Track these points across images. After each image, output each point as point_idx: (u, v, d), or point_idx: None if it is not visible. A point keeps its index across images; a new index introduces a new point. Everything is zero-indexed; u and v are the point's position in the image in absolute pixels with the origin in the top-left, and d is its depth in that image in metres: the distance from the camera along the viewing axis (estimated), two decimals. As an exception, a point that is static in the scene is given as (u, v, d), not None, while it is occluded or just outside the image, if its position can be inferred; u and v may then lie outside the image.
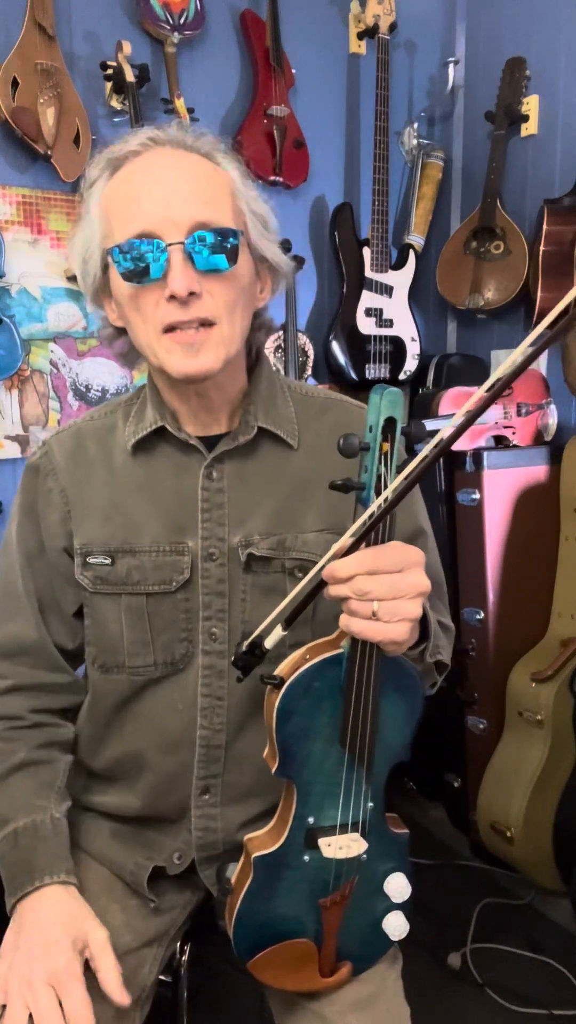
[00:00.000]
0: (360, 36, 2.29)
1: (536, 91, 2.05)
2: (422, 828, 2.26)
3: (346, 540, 0.70)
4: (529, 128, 2.08)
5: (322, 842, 0.82)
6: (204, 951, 1.09)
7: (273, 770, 0.81)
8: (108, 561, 0.93)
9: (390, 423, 0.68)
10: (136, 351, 0.93)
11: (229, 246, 0.82)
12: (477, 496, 1.87)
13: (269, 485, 0.94)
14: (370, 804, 0.84)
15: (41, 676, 0.99)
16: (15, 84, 1.75)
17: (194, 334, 0.83)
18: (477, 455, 1.87)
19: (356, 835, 0.83)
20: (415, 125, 2.39)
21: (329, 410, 0.99)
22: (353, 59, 2.35)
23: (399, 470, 0.67)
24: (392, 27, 2.18)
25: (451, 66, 2.27)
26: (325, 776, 0.81)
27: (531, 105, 2.06)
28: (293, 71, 2.16)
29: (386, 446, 0.68)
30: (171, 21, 1.95)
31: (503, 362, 2.22)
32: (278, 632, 0.79)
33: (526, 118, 2.07)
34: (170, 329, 0.83)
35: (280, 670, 0.78)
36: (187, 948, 1.07)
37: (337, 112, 2.36)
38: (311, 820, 0.83)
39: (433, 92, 2.40)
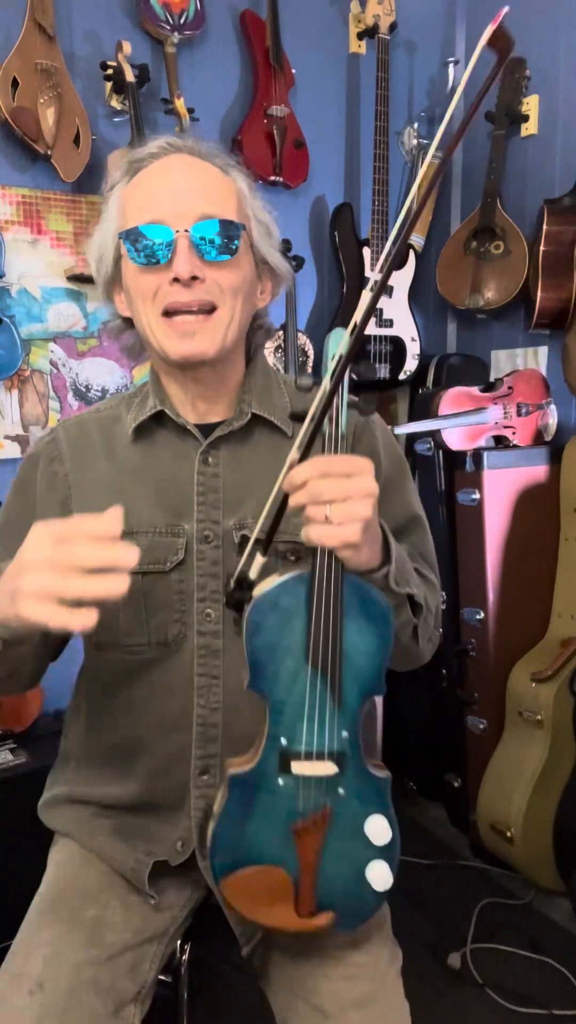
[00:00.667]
0: (360, 36, 2.29)
1: (536, 91, 2.06)
2: (422, 828, 2.26)
3: (295, 450, 0.76)
4: (529, 128, 2.08)
5: (295, 765, 0.84)
6: (204, 950, 1.09)
7: (245, 685, 0.83)
8: None
9: (339, 361, 0.76)
10: (141, 345, 1.00)
11: (231, 236, 0.89)
12: (477, 496, 1.87)
13: (263, 470, 0.96)
14: (344, 733, 0.84)
15: None
16: (15, 84, 1.75)
17: (193, 321, 0.90)
18: (477, 455, 1.88)
19: (330, 763, 0.84)
20: (415, 125, 2.39)
21: None
22: (353, 59, 2.35)
23: (333, 375, 0.75)
24: (392, 27, 2.18)
25: (451, 66, 2.27)
26: (296, 697, 0.83)
27: (531, 105, 2.06)
28: (293, 71, 2.16)
29: (337, 382, 0.76)
30: (171, 21, 1.95)
31: (503, 362, 2.23)
32: (259, 560, 0.84)
33: (526, 118, 2.07)
34: (170, 314, 0.89)
35: (255, 589, 0.82)
36: (187, 947, 1.07)
37: (337, 112, 2.36)
38: (283, 741, 0.84)
39: (433, 92, 2.41)
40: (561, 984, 1.71)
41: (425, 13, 2.35)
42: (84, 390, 2.04)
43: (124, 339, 1.03)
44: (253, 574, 0.85)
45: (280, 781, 0.85)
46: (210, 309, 0.90)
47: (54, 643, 1.02)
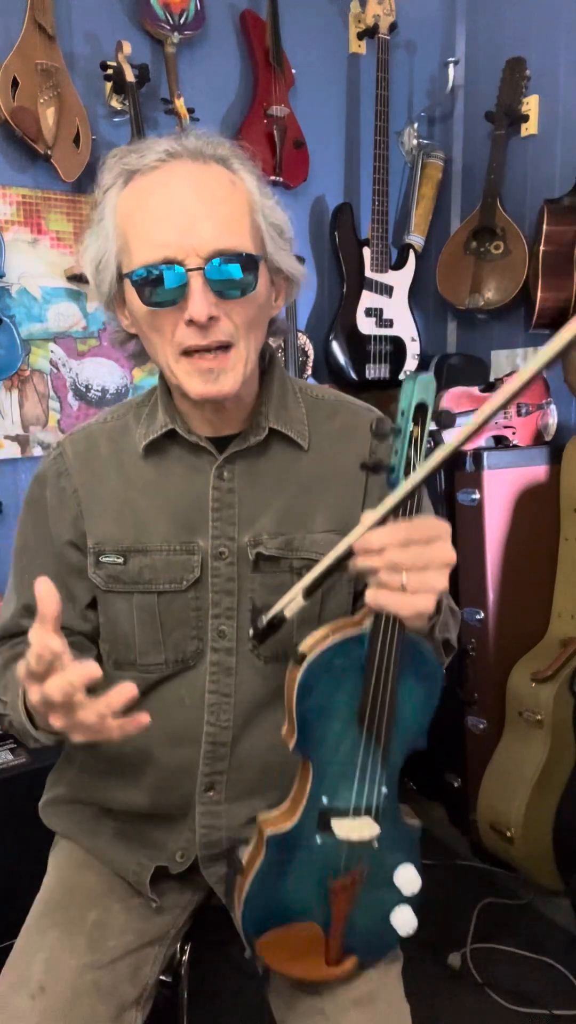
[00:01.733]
0: (360, 36, 2.29)
1: (536, 91, 2.05)
2: (422, 828, 2.26)
3: (377, 513, 0.71)
4: (529, 128, 2.08)
5: (335, 823, 0.83)
6: (204, 951, 1.09)
7: (291, 747, 0.81)
8: (120, 560, 0.95)
9: (421, 409, 0.71)
10: (149, 353, 0.94)
11: (247, 270, 0.83)
12: (477, 496, 1.87)
13: (279, 485, 0.95)
14: (384, 790, 0.84)
15: None
16: (15, 84, 1.75)
17: (212, 359, 0.84)
18: (477, 455, 1.87)
19: (369, 819, 0.84)
20: (415, 125, 2.39)
21: (339, 412, 1.00)
22: (353, 59, 2.35)
23: (428, 454, 0.70)
24: (392, 27, 2.18)
25: (451, 66, 2.27)
26: (341, 756, 0.82)
27: (531, 105, 2.06)
28: (293, 71, 2.16)
29: (416, 431, 0.71)
30: (171, 21, 1.95)
31: (503, 362, 2.23)
32: (299, 602, 0.80)
33: (526, 118, 2.07)
34: (188, 352, 0.84)
35: (303, 646, 0.79)
36: (188, 948, 1.07)
37: (337, 112, 2.36)
38: (325, 800, 0.83)
39: (433, 92, 2.40)
40: (561, 984, 1.71)
41: (425, 13, 2.35)
42: (84, 390, 2.04)
43: (129, 348, 0.98)
44: (289, 613, 0.80)
45: (319, 839, 0.84)
46: (228, 346, 0.85)
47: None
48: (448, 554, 0.72)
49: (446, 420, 0.73)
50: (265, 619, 0.81)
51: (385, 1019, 0.90)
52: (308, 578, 0.77)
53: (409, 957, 0.99)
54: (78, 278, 1.95)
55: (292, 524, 0.94)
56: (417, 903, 0.90)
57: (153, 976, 0.95)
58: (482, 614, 1.91)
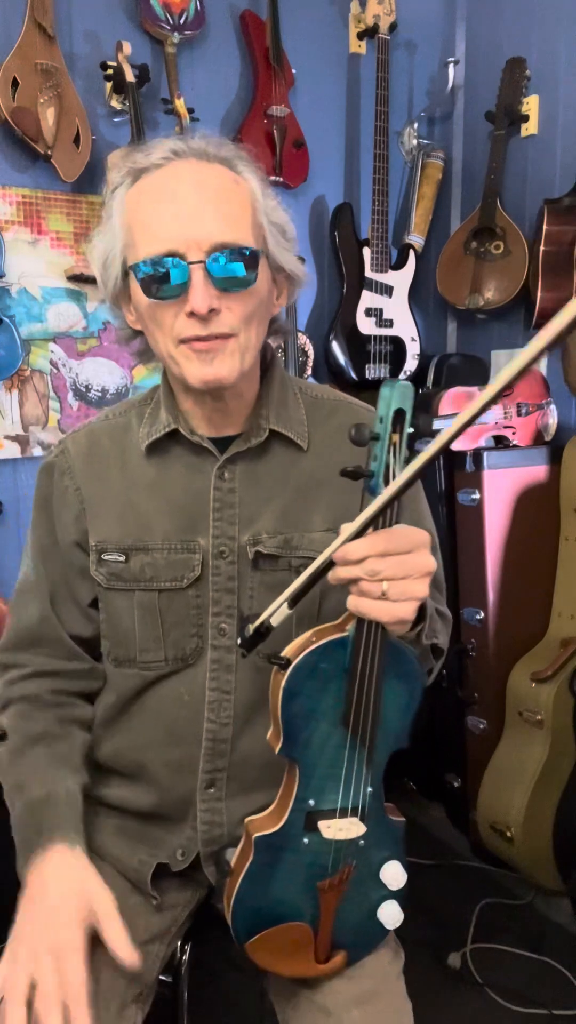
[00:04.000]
0: (360, 36, 2.29)
1: (536, 91, 2.05)
2: (422, 828, 2.26)
3: (355, 525, 0.71)
4: (529, 128, 2.08)
5: (322, 824, 0.84)
6: (204, 951, 1.09)
7: (276, 750, 0.82)
8: (122, 558, 0.96)
9: (399, 415, 0.70)
10: (152, 350, 0.96)
11: (248, 265, 0.84)
12: (477, 496, 1.87)
13: (278, 485, 0.96)
14: (369, 789, 0.85)
15: (58, 664, 1.01)
16: (15, 84, 1.75)
17: (211, 342, 0.85)
18: (477, 455, 1.87)
19: (355, 819, 0.85)
20: (415, 125, 2.39)
21: (338, 412, 1.01)
22: (353, 59, 2.35)
23: (407, 460, 0.69)
24: (392, 27, 2.18)
25: (451, 66, 2.27)
26: (327, 758, 0.82)
27: (531, 105, 2.06)
28: (293, 71, 2.16)
29: (395, 437, 0.71)
30: (171, 21, 1.95)
31: (503, 362, 2.23)
32: (284, 611, 0.81)
33: (526, 118, 2.07)
34: (187, 340, 0.86)
35: (287, 651, 0.80)
36: (188, 947, 1.07)
37: (337, 112, 2.36)
38: (312, 803, 0.84)
39: (433, 92, 2.40)
40: (561, 984, 1.71)
41: (425, 13, 2.35)
42: (84, 390, 2.04)
43: (134, 346, 0.99)
44: (275, 622, 0.81)
45: (306, 840, 0.85)
46: (228, 336, 0.86)
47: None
48: (428, 563, 0.73)
49: (424, 426, 0.72)
50: (252, 628, 0.82)
51: (387, 1017, 0.90)
52: (292, 588, 0.78)
53: (409, 957, 0.99)
54: (78, 278, 1.95)
55: (291, 523, 0.95)
56: (403, 897, 0.90)
57: (153, 974, 0.96)
58: (482, 614, 1.91)
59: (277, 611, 0.80)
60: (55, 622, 1.00)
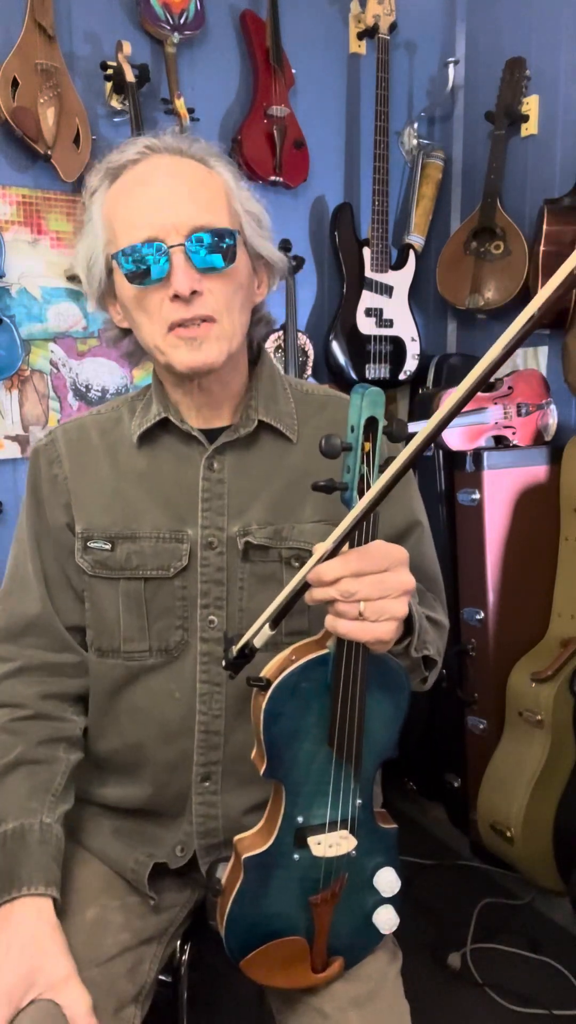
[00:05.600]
0: (360, 36, 2.29)
1: (536, 91, 2.05)
2: (422, 828, 2.26)
3: (328, 544, 0.70)
4: (529, 128, 2.08)
5: (311, 841, 0.82)
6: (204, 950, 1.09)
7: (261, 772, 0.81)
8: (108, 547, 0.96)
9: (371, 423, 0.68)
10: (140, 350, 0.98)
11: (226, 245, 0.87)
12: (477, 496, 1.87)
13: (268, 477, 0.96)
14: (359, 801, 0.84)
15: (48, 656, 0.99)
16: (15, 84, 1.75)
17: (196, 329, 0.87)
18: (477, 455, 1.87)
19: (345, 832, 0.84)
20: (415, 125, 2.39)
21: (328, 406, 1.02)
22: (353, 59, 2.35)
23: (381, 469, 0.66)
24: (392, 27, 2.18)
25: (451, 66, 2.27)
26: (314, 776, 0.81)
27: (531, 105, 2.06)
28: (293, 71, 2.16)
29: (368, 445, 0.69)
30: (171, 21, 1.95)
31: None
32: (266, 631, 0.79)
33: (526, 118, 2.07)
34: (174, 327, 0.88)
35: (266, 671, 0.78)
36: (187, 947, 1.07)
37: (337, 112, 2.36)
38: (300, 820, 0.83)
39: (433, 92, 2.40)
40: (561, 984, 1.71)
41: (425, 13, 2.35)
42: (84, 390, 2.04)
43: (123, 347, 1.01)
44: (258, 643, 0.80)
45: (296, 856, 0.84)
46: (211, 320, 0.88)
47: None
48: (406, 581, 0.71)
49: (398, 432, 0.69)
50: (235, 650, 0.81)
51: (384, 1019, 0.90)
52: (271, 609, 0.77)
53: (409, 957, 0.99)
54: (78, 278, 1.95)
55: (281, 514, 0.95)
56: (398, 902, 0.90)
57: (152, 974, 0.96)
58: (482, 614, 1.91)
59: (259, 632, 0.79)
60: (49, 607, 0.99)
